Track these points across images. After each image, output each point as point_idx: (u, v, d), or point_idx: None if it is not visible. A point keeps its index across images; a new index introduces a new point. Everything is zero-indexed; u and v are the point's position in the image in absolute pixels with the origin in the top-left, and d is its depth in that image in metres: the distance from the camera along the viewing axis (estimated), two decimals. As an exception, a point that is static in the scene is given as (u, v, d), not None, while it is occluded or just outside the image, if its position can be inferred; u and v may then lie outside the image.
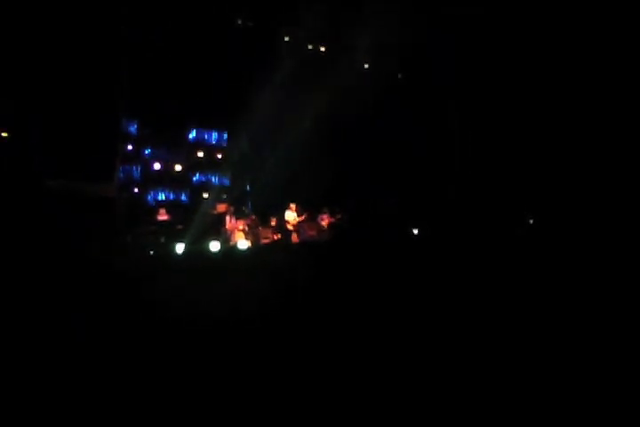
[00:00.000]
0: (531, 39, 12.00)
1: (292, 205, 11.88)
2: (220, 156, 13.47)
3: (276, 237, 11.53)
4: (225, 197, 12.46)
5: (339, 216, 11.97)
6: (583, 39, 11.52)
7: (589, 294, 5.56)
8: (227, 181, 13.48)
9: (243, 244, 10.44)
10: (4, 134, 9.59)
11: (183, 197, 12.84)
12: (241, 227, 11.12)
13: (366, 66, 13.84)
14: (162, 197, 12.53)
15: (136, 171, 12.20)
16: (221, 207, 11.57)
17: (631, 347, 3.99)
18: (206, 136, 13.54)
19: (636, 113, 11.23)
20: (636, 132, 11.12)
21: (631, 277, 6.04)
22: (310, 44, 13.29)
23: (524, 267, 7.16)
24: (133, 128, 12.13)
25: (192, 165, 13.13)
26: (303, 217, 11.87)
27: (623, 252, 7.42)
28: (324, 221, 11.99)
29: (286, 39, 12.73)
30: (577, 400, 3.22)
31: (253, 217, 11.74)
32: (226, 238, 10.85)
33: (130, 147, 12.05)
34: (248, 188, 13.27)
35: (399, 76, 14.15)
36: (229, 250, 10.31)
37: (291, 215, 11.84)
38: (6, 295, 5.69)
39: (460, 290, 6.11)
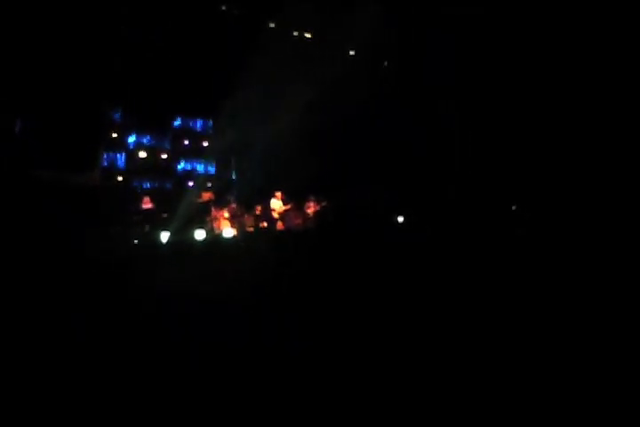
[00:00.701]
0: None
1: (278, 194, 11.87)
2: (205, 144, 13.41)
3: (261, 226, 11.55)
4: (210, 185, 12.42)
5: (325, 204, 11.98)
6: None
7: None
8: (212, 169, 13.44)
9: (228, 232, 10.46)
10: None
11: (168, 186, 12.80)
12: (226, 215, 11.12)
13: (352, 53, 13.77)
14: (146, 185, 12.47)
15: (120, 159, 12.13)
16: (206, 196, 11.54)
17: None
18: (191, 124, 13.49)
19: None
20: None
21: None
22: (296, 30, 13.20)
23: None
24: (117, 116, 12.02)
25: (177, 153, 13.07)
26: (289, 205, 11.88)
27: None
28: (310, 209, 12.01)
29: (271, 26, 12.62)
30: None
31: (239, 205, 11.73)
32: (211, 227, 10.85)
33: (114, 135, 11.95)
34: (233, 176, 13.24)
35: (385, 63, 14.11)
36: (215, 238, 10.32)
37: (276, 203, 11.84)
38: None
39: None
